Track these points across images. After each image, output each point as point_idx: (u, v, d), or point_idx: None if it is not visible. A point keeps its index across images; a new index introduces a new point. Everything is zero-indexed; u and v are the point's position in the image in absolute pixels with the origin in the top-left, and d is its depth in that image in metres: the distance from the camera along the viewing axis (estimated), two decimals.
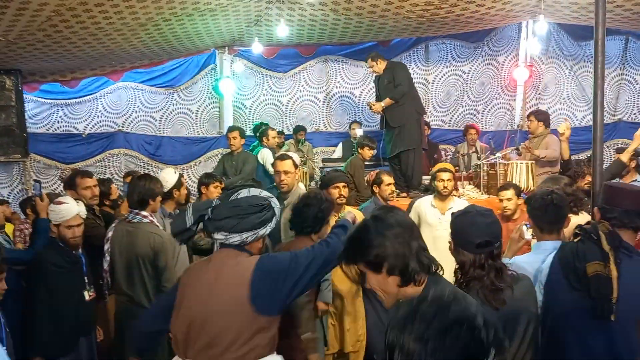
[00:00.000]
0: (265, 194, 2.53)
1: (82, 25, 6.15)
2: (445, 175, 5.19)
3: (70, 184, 4.82)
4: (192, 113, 9.42)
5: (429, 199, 5.38)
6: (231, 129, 7.23)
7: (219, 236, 2.45)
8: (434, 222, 5.16)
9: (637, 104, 9.79)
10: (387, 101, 7.04)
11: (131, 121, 9.01)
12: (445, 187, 5.16)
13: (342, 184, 4.70)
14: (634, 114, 9.80)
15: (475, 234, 2.29)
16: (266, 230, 2.50)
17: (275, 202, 2.54)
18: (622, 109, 9.83)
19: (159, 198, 3.98)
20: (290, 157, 4.57)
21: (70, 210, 3.78)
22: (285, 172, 4.43)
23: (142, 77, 8.98)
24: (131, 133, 8.99)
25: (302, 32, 8.29)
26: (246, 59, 9.52)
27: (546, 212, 2.94)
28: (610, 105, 9.77)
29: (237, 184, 4.99)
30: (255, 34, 8.32)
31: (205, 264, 2.54)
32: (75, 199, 4.03)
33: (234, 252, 2.46)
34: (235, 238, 2.44)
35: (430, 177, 5.54)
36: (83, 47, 6.92)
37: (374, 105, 7.04)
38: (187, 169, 9.17)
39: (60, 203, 3.80)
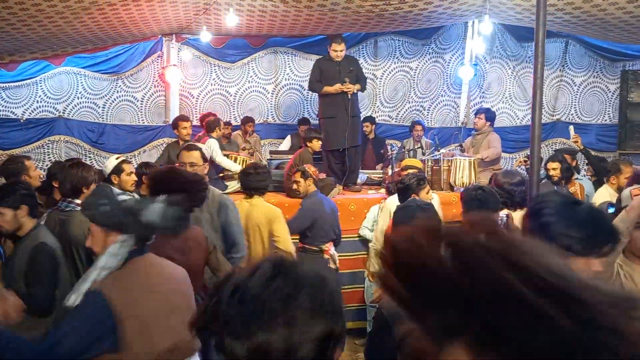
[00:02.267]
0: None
1: (22, 6, 5.92)
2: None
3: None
4: (137, 101, 9.21)
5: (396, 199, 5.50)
6: (185, 119, 7.15)
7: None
8: None
9: (575, 105, 10.17)
10: (357, 87, 7.16)
11: (73, 107, 8.74)
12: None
13: None
14: (572, 114, 10.18)
15: None
16: None
17: None
18: (560, 110, 10.19)
19: (93, 186, 3.87)
20: (199, 149, 4.13)
21: None
22: (192, 165, 3.91)
23: (85, 62, 8.72)
24: (73, 119, 8.72)
25: (251, 22, 8.22)
26: (194, 47, 9.37)
27: (470, 206, 3.10)
28: (550, 106, 10.11)
29: None
30: (204, 22, 8.20)
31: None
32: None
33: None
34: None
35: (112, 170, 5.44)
36: (22, 29, 6.66)
37: (350, 86, 7.07)
38: (131, 158, 8.94)
39: None
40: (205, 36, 8.46)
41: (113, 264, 2.23)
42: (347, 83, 7.07)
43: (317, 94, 7.67)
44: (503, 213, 3.51)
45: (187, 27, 8.59)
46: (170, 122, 8.06)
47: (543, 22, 3.24)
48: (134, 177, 4.53)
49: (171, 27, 8.52)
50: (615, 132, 9.77)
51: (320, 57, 7.65)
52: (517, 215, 4.50)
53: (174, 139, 7.45)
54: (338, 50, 7.23)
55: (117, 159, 4.45)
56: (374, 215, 6.04)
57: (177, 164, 3.94)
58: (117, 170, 4.34)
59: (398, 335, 2.24)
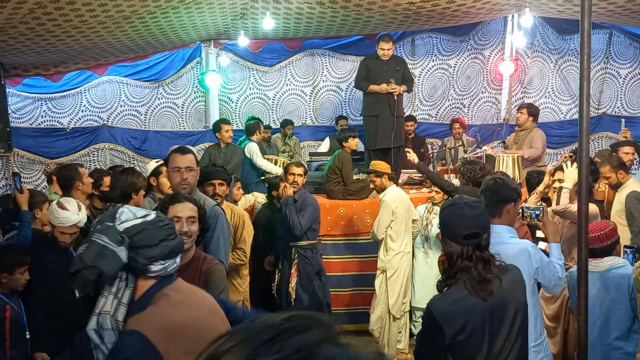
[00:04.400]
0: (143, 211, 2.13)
1: (66, 18, 6.07)
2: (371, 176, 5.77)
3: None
4: (178, 107, 9.36)
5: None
6: (227, 122, 7.26)
7: (156, 267, 1.96)
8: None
9: (621, 97, 9.89)
10: (404, 88, 7.15)
11: (116, 115, 8.93)
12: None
13: (219, 181, 4.30)
14: (618, 107, 9.89)
15: (463, 226, 2.31)
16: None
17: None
18: (606, 103, 9.91)
19: (142, 192, 3.95)
20: (193, 152, 3.68)
21: (69, 218, 3.75)
22: (189, 169, 3.45)
23: (127, 70, 8.90)
24: (116, 127, 8.90)
25: (288, 25, 8.26)
26: (232, 52, 9.46)
27: (484, 197, 3.09)
28: (595, 99, 9.84)
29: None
30: (241, 27, 8.27)
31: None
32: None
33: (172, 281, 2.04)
34: (173, 265, 2.02)
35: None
36: (66, 41, 6.84)
37: (396, 87, 7.07)
38: None
39: (63, 208, 3.76)
40: (243, 41, 8.53)
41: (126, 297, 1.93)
42: (392, 83, 7.04)
43: (357, 94, 7.68)
44: (537, 207, 3.46)
45: (225, 32, 8.68)
46: (211, 127, 8.17)
47: (589, 10, 3.15)
48: None
49: (209, 33, 8.62)
50: None
51: (368, 55, 7.63)
52: None
53: (213, 143, 7.53)
54: (386, 49, 7.19)
55: (157, 162, 4.52)
56: (421, 214, 6.02)
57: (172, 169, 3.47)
58: (156, 172, 4.38)
59: (449, 334, 2.23)
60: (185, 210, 2.86)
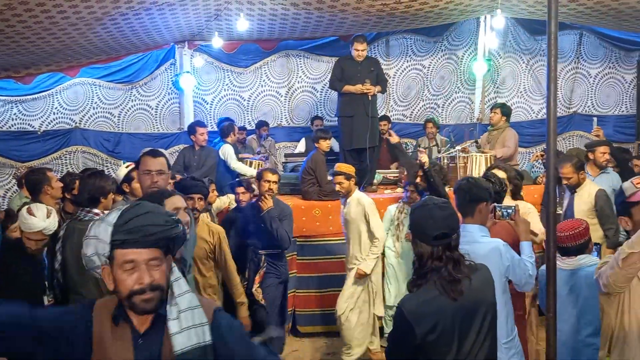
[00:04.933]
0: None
1: (36, 19, 5.98)
2: (338, 178, 5.54)
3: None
4: (152, 109, 9.28)
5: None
6: (202, 125, 7.21)
7: None
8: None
9: (591, 96, 10.06)
10: (378, 88, 7.19)
11: (89, 118, 8.81)
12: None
13: (198, 195, 4.18)
14: (588, 106, 10.06)
15: (433, 227, 2.34)
16: None
17: None
18: (576, 102, 10.08)
19: (111, 195, 3.90)
20: (164, 155, 3.60)
21: (35, 225, 3.67)
22: (160, 172, 3.40)
23: (100, 72, 8.79)
24: (89, 130, 8.79)
25: (262, 26, 8.25)
26: (206, 53, 9.42)
27: (457, 196, 3.19)
28: (566, 98, 10.01)
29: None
30: (215, 28, 8.23)
31: None
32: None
33: None
34: None
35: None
36: (37, 42, 6.74)
37: (371, 87, 7.11)
38: None
39: (31, 214, 3.69)
40: (217, 42, 8.49)
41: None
42: (367, 84, 7.07)
43: (332, 95, 7.69)
44: (512, 204, 3.51)
45: (199, 33, 8.63)
46: (185, 129, 8.11)
47: (555, 14, 3.20)
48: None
49: (183, 34, 8.57)
50: (633, 122, 9.63)
51: (342, 56, 7.66)
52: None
53: (188, 145, 7.49)
54: (360, 50, 7.24)
55: (127, 167, 4.45)
56: (392, 214, 6.03)
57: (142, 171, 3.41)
58: (128, 178, 4.34)
59: (419, 334, 2.24)
60: (179, 200, 2.92)
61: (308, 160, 6.78)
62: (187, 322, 1.85)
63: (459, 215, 3.16)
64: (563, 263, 3.50)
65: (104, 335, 1.87)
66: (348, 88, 7.15)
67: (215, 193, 5.91)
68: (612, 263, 2.41)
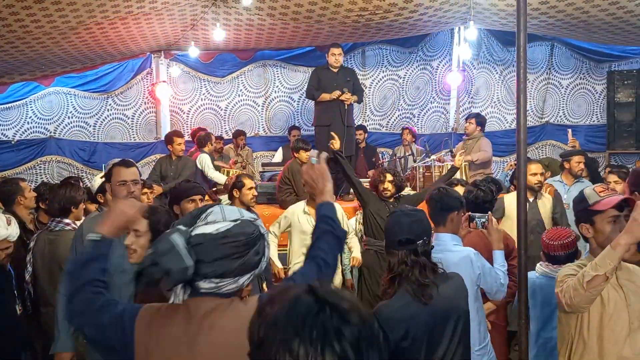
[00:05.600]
0: (247, 214, 1.83)
1: (9, 28, 5.94)
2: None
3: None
4: (128, 118, 9.24)
5: (301, 205, 5.45)
6: (179, 135, 7.18)
7: (205, 285, 1.73)
8: (307, 229, 5.17)
9: (563, 107, 10.26)
10: (355, 98, 7.25)
11: (64, 127, 8.75)
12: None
13: (199, 196, 4.05)
14: (560, 116, 10.26)
15: (398, 232, 2.40)
16: (262, 267, 1.82)
17: (260, 223, 1.84)
18: (549, 112, 10.27)
19: (82, 205, 3.89)
20: (135, 164, 3.50)
21: None
22: (135, 182, 3.35)
23: (75, 82, 8.75)
24: (64, 139, 8.73)
25: (239, 36, 8.28)
26: (183, 63, 9.42)
27: (429, 206, 3.27)
28: (538, 108, 10.19)
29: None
30: (191, 38, 8.25)
31: (178, 317, 1.77)
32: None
33: (221, 300, 1.76)
34: (231, 285, 1.75)
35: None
36: (10, 51, 6.69)
37: (349, 95, 7.17)
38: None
39: None
40: (194, 52, 8.51)
41: None
42: (347, 93, 7.15)
43: (309, 104, 7.74)
44: (482, 215, 3.56)
45: (175, 43, 8.64)
46: (162, 139, 8.09)
47: (524, 26, 3.29)
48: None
49: (159, 44, 8.57)
50: (604, 132, 9.84)
51: (319, 66, 7.73)
52: None
53: (165, 155, 7.46)
54: (336, 54, 7.31)
55: (102, 177, 4.42)
56: (353, 227, 5.87)
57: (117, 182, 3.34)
58: (102, 189, 4.30)
59: (393, 341, 2.25)
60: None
61: (285, 170, 6.81)
62: None
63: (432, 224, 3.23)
64: (553, 272, 3.52)
65: None
66: (324, 96, 7.21)
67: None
68: (576, 285, 2.36)
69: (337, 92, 7.12)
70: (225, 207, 1.81)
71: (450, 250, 3.18)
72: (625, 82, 9.57)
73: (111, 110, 9.10)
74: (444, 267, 2.89)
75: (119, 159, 3.55)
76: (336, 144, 5.34)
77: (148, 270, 1.71)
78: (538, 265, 3.71)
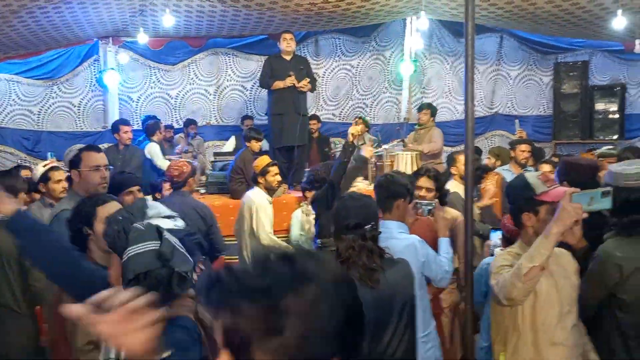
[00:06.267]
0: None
1: None
2: (275, 169, 5.38)
3: None
4: (74, 106, 8.96)
5: (262, 193, 5.37)
6: (126, 123, 7.00)
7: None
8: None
9: (512, 97, 10.48)
10: (309, 86, 7.20)
11: (6, 115, 8.43)
12: (278, 182, 5.41)
13: (137, 187, 3.92)
14: (509, 106, 10.48)
15: (346, 217, 2.40)
16: None
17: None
18: (498, 103, 10.47)
19: (22, 194, 3.75)
20: (101, 149, 3.55)
21: None
22: (107, 167, 3.44)
23: (18, 68, 8.43)
24: (6, 128, 8.41)
25: (189, 23, 8.13)
26: (132, 50, 9.18)
27: (377, 193, 3.27)
28: (487, 99, 10.38)
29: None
30: (140, 24, 8.04)
31: None
32: None
33: None
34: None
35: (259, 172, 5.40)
36: None
37: (304, 83, 7.15)
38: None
39: None
40: (143, 38, 8.29)
41: None
42: (305, 80, 7.16)
43: (262, 93, 7.69)
44: (429, 201, 3.60)
45: (124, 29, 8.41)
46: (110, 127, 7.88)
47: (472, 16, 3.32)
48: (63, 184, 4.29)
49: (107, 29, 8.33)
50: (550, 122, 10.12)
51: (272, 55, 7.65)
52: None
53: (112, 144, 7.28)
54: (288, 39, 7.25)
55: (44, 166, 4.26)
56: (300, 218, 5.72)
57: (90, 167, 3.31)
58: (45, 178, 4.15)
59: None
60: (115, 206, 2.52)
61: (237, 159, 6.74)
62: None
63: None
64: None
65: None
66: (278, 84, 7.16)
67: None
68: (512, 278, 2.34)
69: (289, 80, 7.08)
70: (149, 201, 1.80)
71: (396, 238, 3.19)
72: (571, 73, 9.86)
73: (56, 98, 8.80)
74: (390, 253, 2.90)
75: (84, 145, 3.48)
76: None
77: (157, 272, 1.61)
78: (497, 249, 3.75)
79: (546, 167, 5.78)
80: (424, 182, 4.10)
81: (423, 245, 3.18)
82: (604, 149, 6.71)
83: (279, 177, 5.42)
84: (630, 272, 2.77)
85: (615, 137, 9.44)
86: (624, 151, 5.56)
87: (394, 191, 3.24)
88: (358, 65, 10.20)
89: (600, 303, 2.85)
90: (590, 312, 2.76)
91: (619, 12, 6.61)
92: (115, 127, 6.92)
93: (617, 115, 9.64)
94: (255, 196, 5.31)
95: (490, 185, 5.64)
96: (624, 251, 2.80)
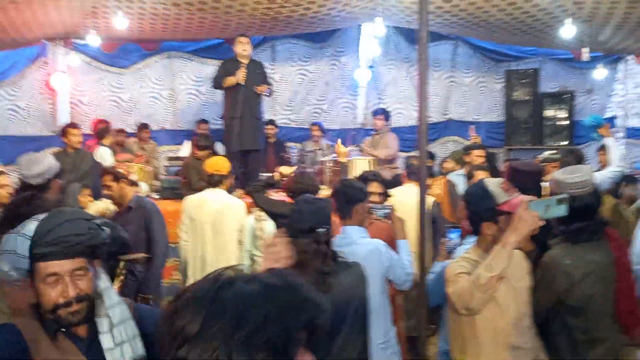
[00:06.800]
0: None
1: None
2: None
3: None
4: (22, 110, 8.67)
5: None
6: (74, 126, 6.81)
7: None
8: None
9: (465, 104, 10.63)
10: (266, 88, 7.15)
11: None
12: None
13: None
14: (462, 113, 10.62)
15: (300, 220, 2.37)
16: None
17: None
18: (452, 109, 10.61)
19: None
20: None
21: None
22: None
23: None
24: None
25: (143, 26, 7.96)
26: (83, 52, 8.96)
27: (335, 200, 3.25)
28: (442, 105, 10.51)
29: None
30: (92, 26, 7.83)
31: None
32: None
33: None
34: None
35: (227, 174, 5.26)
36: None
37: (263, 87, 7.16)
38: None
39: None
40: (94, 40, 8.08)
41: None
42: (264, 86, 7.18)
43: (218, 98, 7.60)
44: (387, 205, 3.60)
45: (74, 31, 8.19)
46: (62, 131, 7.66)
47: (425, 21, 3.35)
48: (8, 190, 4.14)
49: (56, 31, 8.10)
50: (502, 129, 10.30)
51: (227, 58, 7.58)
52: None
53: (61, 148, 7.06)
54: (244, 42, 7.18)
55: None
56: (252, 225, 5.64)
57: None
58: None
59: None
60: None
61: (183, 165, 6.68)
62: (122, 337, 1.78)
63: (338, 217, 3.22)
64: None
65: (47, 356, 1.71)
66: (231, 80, 7.08)
67: (90, 198, 5.61)
68: (471, 288, 2.32)
69: (243, 72, 7.00)
70: None
71: (358, 243, 3.17)
72: (522, 81, 10.07)
73: (3, 101, 8.50)
74: (344, 257, 2.88)
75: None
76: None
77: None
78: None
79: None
80: (375, 187, 4.12)
81: (387, 249, 3.17)
82: (547, 153, 6.84)
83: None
84: (580, 278, 2.82)
85: (564, 143, 9.67)
86: (566, 155, 5.71)
87: (351, 196, 3.23)
88: (315, 70, 10.20)
89: (549, 308, 2.89)
90: (540, 318, 2.78)
91: (568, 21, 6.78)
92: (64, 131, 6.71)
93: (566, 122, 9.89)
94: (236, 199, 5.22)
95: (436, 188, 5.77)
96: (572, 258, 2.84)
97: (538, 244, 2.92)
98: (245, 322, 0.93)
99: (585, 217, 2.84)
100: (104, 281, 1.82)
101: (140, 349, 1.81)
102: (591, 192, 2.89)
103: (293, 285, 1.00)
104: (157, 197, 7.05)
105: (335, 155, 7.36)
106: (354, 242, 3.17)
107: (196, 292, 0.99)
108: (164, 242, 4.79)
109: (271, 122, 9.05)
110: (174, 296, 1.03)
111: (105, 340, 1.75)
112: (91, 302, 1.75)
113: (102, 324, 1.77)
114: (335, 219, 2.71)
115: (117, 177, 4.66)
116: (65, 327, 1.73)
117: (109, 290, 1.83)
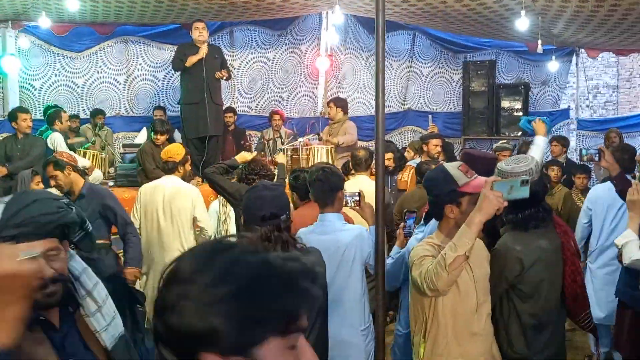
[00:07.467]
0: None
1: None
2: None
3: None
4: None
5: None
6: (24, 111, 6.59)
7: None
8: None
9: (424, 94, 10.74)
10: (227, 74, 7.08)
11: None
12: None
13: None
14: (421, 103, 10.73)
15: (261, 207, 2.34)
16: None
17: None
18: (410, 99, 10.71)
19: None
20: None
21: None
22: None
23: None
24: None
25: (96, 9, 7.76)
26: (34, 35, 8.65)
27: (314, 188, 3.28)
28: (401, 95, 10.59)
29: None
30: (43, 7, 7.58)
31: None
32: None
33: None
34: None
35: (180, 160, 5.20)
36: None
37: (224, 72, 7.18)
38: None
39: None
40: (45, 22, 7.81)
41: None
42: (224, 72, 7.18)
43: (175, 83, 7.51)
44: (356, 192, 3.61)
45: (24, 12, 7.91)
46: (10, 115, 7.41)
47: (382, 7, 3.35)
48: None
49: (5, 12, 7.81)
50: (459, 119, 10.44)
51: (184, 43, 7.46)
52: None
53: (10, 134, 6.84)
54: (200, 28, 7.10)
55: None
56: (216, 211, 5.52)
57: None
58: None
59: None
60: None
61: (137, 151, 6.56)
62: (109, 317, 1.78)
63: (318, 205, 3.21)
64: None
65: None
66: (192, 59, 7.01)
67: (41, 185, 5.45)
68: (437, 269, 2.32)
69: (203, 51, 6.93)
70: None
71: (342, 230, 3.18)
72: (479, 72, 10.21)
73: None
74: (337, 247, 2.88)
75: None
76: None
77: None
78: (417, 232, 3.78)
79: None
80: None
81: (369, 234, 3.18)
82: (499, 143, 7.02)
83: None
84: (530, 265, 2.91)
85: (519, 133, 9.87)
86: (522, 146, 5.87)
87: (335, 183, 3.24)
88: (274, 58, 10.12)
89: (501, 294, 2.96)
90: (493, 303, 2.84)
91: (522, 13, 6.90)
92: (13, 116, 6.51)
93: (521, 113, 10.08)
94: (188, 185, 5.19)
95: (406, 176, 5.82)
96: (522, 245, 2.93)
97: (485, 232, 2.96)
98: (231, 281, 0.92)
99: (532, 204, 2.90)
100: (79, 263, 1.79)
101: (120, 325, 1.83)
102: (536, 180, 2.95)
103: (288, 271, 0.97)
104: (112, 184, 6.91)
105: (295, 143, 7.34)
106: (337, 229, 3.17)
107: (196, 249, 1.03)
108: (128, 217, 4.71)
109: (231, 109, 8.96)
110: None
111: (96, 322, 1.74)
112: (65, 284, 1.70)
113: (89, 306, 1.74)
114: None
115: (60, 165, 4.43)
116: (40, 309, 1.64)
117: (87, 271, 1.79)
